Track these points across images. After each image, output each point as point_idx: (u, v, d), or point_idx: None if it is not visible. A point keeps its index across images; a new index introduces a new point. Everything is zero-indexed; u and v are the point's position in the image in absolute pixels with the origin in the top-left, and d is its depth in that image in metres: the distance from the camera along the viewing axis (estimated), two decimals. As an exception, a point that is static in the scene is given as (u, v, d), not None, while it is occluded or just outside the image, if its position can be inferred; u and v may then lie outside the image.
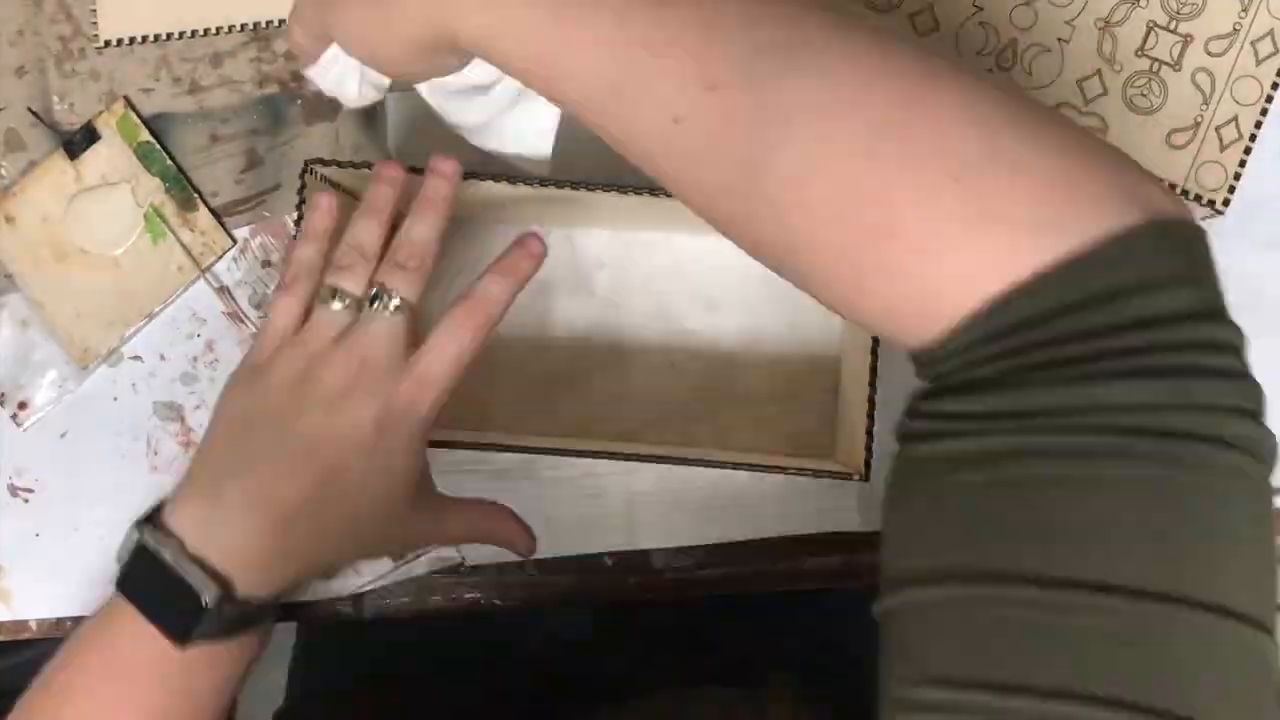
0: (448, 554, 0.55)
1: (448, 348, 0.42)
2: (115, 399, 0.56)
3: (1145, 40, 0.50)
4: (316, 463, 0.40)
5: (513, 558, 0.54)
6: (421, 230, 0.43)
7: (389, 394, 0.41)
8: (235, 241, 0.57)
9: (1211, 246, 0.29)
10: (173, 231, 0.55)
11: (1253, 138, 0.52)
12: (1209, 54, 0.50)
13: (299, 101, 0.57)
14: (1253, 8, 0.49)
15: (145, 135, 0.56)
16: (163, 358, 0.57)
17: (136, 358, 0.57)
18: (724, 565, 0.55)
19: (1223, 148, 0.51)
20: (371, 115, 0.57)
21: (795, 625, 0.66)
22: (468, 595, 0.56)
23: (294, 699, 0.68)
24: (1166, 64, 0.49)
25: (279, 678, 0.69)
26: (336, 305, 0.43)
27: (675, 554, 0.55)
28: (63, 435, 0.56)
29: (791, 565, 0.55)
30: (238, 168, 0.57)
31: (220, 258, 0.56)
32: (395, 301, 0.42)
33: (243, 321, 0.57)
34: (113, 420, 0.56)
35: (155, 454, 0.56)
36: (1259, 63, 0.51)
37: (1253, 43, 0.50)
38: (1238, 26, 0.50)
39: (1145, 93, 0.50)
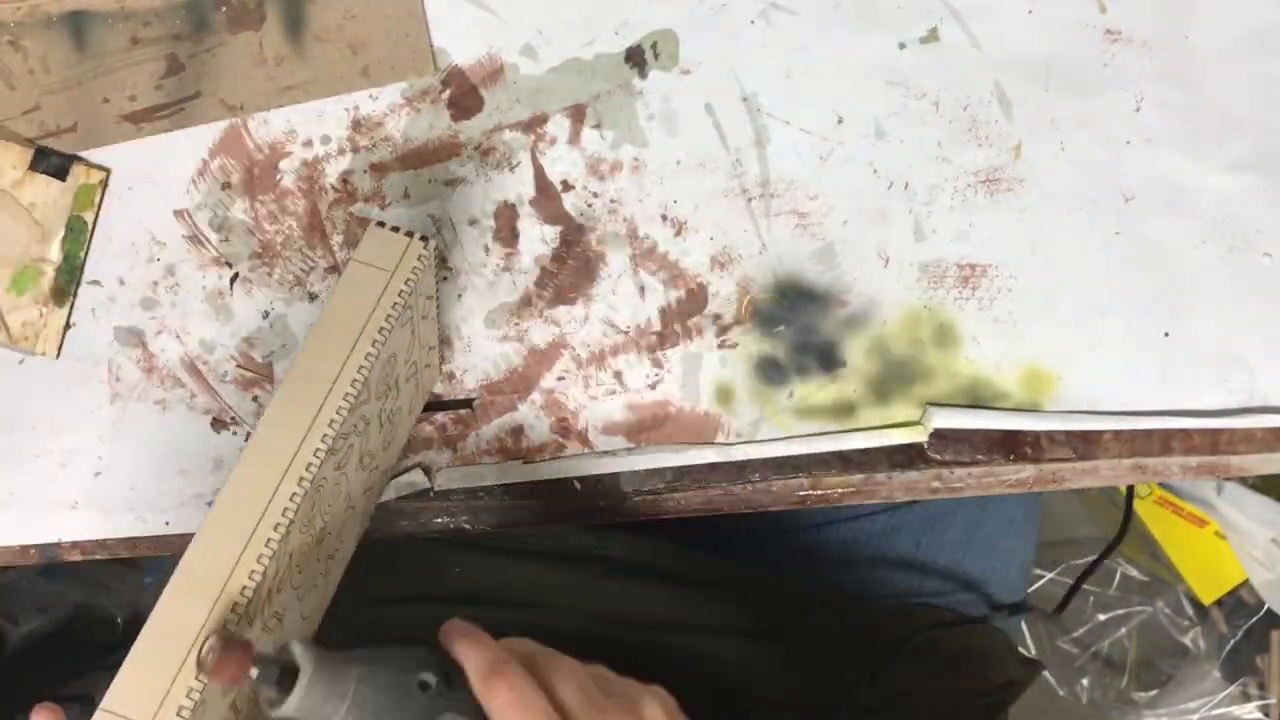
0: (415, 478, 0.54)
1: None
2: (73, 324, 0.56)
3: None
4: None
5: (482, 482, 0.54)
6: None
7: None
8: (59, 356, 0.55)
9: None
10: (30, 300, 0.55)
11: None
12: None
13: (224, 9, 0.54)
14: None
15: (90, 215, 0.55)
16: (122, 282, 0.55)
17: (95, 282, 0.55)
18: (692, 487, 0.54)
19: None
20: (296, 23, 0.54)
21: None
22: (436, 520, 0.56)
23: None
24: None
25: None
26: None
27: (644, 477, 0.54)
28: (20, 362, 0.56)
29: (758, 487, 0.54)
30: (157, 73, 0.55)
31: (25, 353, 0.55)
32: None
33: (203, 245, 0.55)
34: (72, 346, 0.55)
35: (117, 380, 0.55)
36: None
37: None
38: None
39: None
